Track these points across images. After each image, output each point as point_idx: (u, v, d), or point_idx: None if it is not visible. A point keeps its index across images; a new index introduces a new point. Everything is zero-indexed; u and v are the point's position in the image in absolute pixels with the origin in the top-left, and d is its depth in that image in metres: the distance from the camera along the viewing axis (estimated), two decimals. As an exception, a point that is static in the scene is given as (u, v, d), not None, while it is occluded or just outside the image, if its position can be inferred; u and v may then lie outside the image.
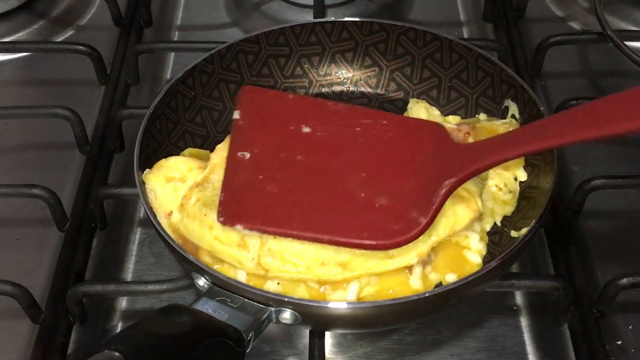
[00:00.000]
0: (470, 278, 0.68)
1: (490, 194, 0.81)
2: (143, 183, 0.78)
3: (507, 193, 0.81)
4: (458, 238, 0.77)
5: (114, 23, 1.20)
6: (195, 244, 0.77)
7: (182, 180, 0.79)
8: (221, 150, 0.81)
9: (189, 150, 0.86)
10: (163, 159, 0.81)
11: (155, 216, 0.75)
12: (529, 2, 1.19)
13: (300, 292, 0.74)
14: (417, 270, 0.75)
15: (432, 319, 0.84)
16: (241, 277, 0.75)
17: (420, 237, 0.73)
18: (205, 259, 0.76)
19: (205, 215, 0.76)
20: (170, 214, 0.78)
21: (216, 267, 0.75)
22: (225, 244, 0.75)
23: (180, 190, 0.79)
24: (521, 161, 0.84)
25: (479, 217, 0.79)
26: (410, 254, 0.74)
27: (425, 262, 0.75)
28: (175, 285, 0.79)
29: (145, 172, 0.80)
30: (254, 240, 0.74)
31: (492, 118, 0.89)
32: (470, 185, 0.77)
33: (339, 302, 0.69)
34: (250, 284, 0.73)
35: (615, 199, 0.94)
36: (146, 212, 0.76)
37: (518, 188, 0.82)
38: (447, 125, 0.86)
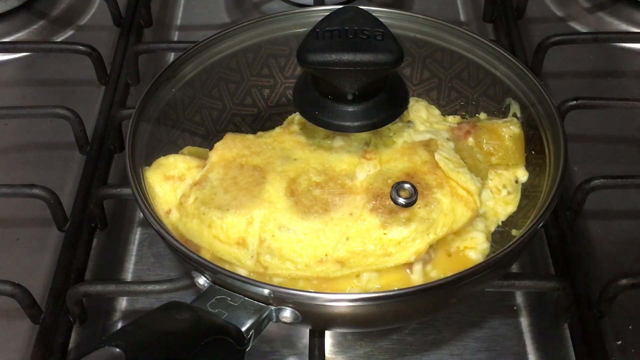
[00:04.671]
0: (470, 270, 0.68)
1: (491, 194, 0.81)
2: (137, 181, 0.77)
3: (508, 194, 0.81)
4: (465, 242, 0.77)
5: (114, 23, 1.20)
6: (195, 247, 0.77)
7: (181, 179, 0.79)
8: (220, 149, 0.81)
9: (187, 148, 0.86)
10: (162, 157, 0.81)
11: (151, 214, 0.74)
12: (529, 2, 1.19)
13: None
14: (418, 268, 0.75)
15: (432, 319, 0.84)
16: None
17: (418, 236, 0.74)
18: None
19: (204, 214, 0.76)
20: (169, 212, 0.78)
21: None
22: (224, 242, 0.75)
23: (179, 189, 0.79)
24: (522, 161, 0.84)
25: (484, 217, 0.79)
26: (408, 251, 0.74)
27: (425, 261, 0.75)
28: (175, 285, 0.79)
29: (144, 170, 0.79)
30: (253, 238, 0.74)
31: (492, 117, 0.88)
32: (469, 184, 0.77)
33: (338, 299, 0.68)
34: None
35: (615, 199, 0.94)
36: (141, 210, 0.75)
37: (520, 188, 0.82)
38: (448, 125, 0.86)
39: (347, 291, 0.74)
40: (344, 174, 0.77)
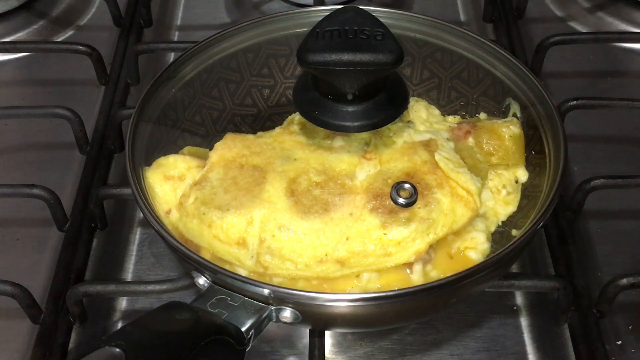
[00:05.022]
0: (470, 270, 0.68)
1: (491, 194, 0.81)
2: (137, 181, 0.77)
3: (508, 194, 0.81)
4: (465, 242, 0.77)
5: (114, 23, 1.20)
6: (195, 247, 0.77)
7: (181, 179, 0.79)
8: (220, 149, 0.81)
9: (187, 148, 0.86)
10: (162, 157, 0.81)
11: (151, 214, 0.73)
12: (529, 2, 1.19)
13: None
14: (418, 268, 0.75)
15: (432, 318, 0.84)
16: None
17: (418, 236, 0.74)
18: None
19: (204, 214, 0.76)
20: (169, 212, 0.78)
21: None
22: (224, 242, 0.75)
23: (179, 189, 0.79)
24: (522, 161, 0.83)
25: (484, 217, 0.79)
26: (408, 251, 0.74)
27: (425, 261, 0.75)
28: (175, 285, 0.78)
29: (144, 170, 0.79)
30: (253, 238, 0.74)
31: (492, 117, 0.88)
32: (469, 184, 0.77)
33: (339, 299, 0.68)
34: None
35: (615, 199, 0.94)
36: (141, 210, 0.75)
37: (520, 188, 0.82)
38: (448, 125, 0.86)
39: (347, 291, 0.74)
40: (344, 174, 0.77)
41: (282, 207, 0.75)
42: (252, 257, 0.74)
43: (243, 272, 0.75)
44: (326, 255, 0.74)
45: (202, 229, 0.76)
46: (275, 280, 0.75)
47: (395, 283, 0.74)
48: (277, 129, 0.85)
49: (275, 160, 0.79)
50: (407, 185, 0.76)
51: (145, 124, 0.82)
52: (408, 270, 0.75)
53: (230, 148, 0.80)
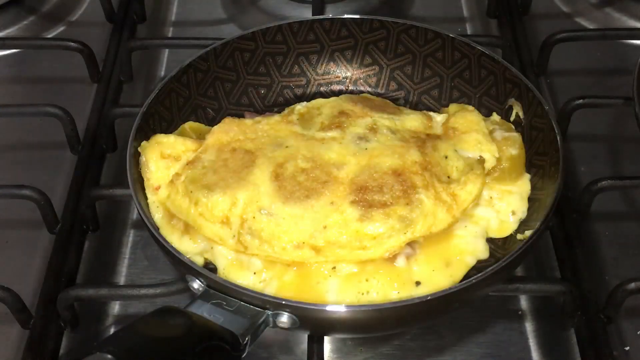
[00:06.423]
0: (473, 281, 0.68)
1: (489, 209, 0.81)
2: (137, 181, 0.77)
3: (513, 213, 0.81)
4: (457, 240, 0.78)
5: (107, 19, 1.20)
6: (183, 225, 0.78)
7: (177, 159, 0.82)
8: (217, 132, 0.83)
9: (189, 123, 0.87)
10: (163, 135, 0.83)
11: (147, 217, 0.74)
12: (534, -3, 1.19)
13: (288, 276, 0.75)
14: (401, 259, 0.75)
15: (434, 323, 0.83)
16: (221, 258, 0.76)
17: (394, 233, 0.74)
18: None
19: (191, 192, 0.78)
20: (157, 188, 0.80)
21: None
22: (208, 220, 0.77)
23: (172, 167, 0.81)
24: (522, 174, 0.83)
25: (482, 224, 0.79)
26: (382, 247, 0.75)
27: (408, 255, 0.75)
28: (169, 288, 0.78)
29: (141, 145, 0.81)
30: (236, 218, 0.75)
31: (503, 120, 0.89)
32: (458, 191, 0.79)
33: (338, 305, 0.68)
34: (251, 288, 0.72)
35: (623, 201, 0.93)
36: (138, 210, 0.75)
37: (520, 198, 0.82)
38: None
39: (323, 278, 0.75)
40: (331, 163, 0.79)
41: (265, 190, 0.77)
42: (233, 236, 0.76)
43: (225, 251, 0.76)
44: (303, 241, 0.75)
45: (189, 207, 0.78)
46: (254, 261, 0.75)
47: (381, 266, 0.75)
48: (277, 117, 0.87)
49: (267, 146, 0.81)
50: (391, 182, 0.76)
51: (144, 124, 0.83)
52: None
53: (226, 132, 0.84)
